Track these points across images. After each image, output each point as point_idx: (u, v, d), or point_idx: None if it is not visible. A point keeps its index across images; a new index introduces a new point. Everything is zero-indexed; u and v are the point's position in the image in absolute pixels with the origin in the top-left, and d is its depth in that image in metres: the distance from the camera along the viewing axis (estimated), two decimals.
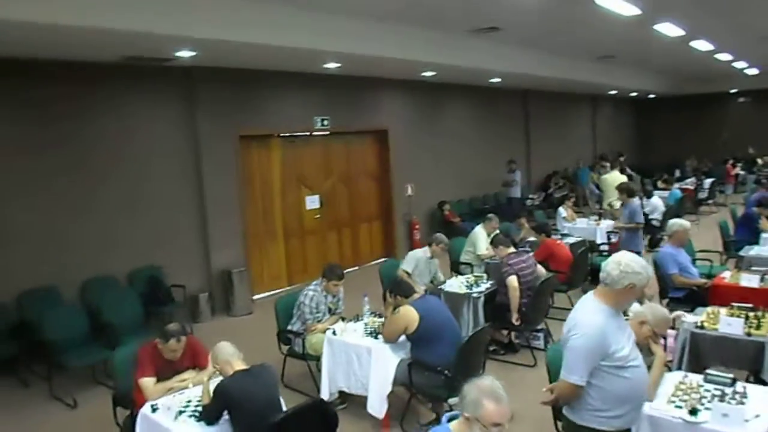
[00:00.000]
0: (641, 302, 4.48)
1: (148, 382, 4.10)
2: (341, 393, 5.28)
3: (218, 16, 6.23)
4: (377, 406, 4.87)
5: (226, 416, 3.57)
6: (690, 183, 16.01)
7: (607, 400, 2.93)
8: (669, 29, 9.31)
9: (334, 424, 3.68)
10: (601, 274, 2.97)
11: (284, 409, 3.77)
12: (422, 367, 4.64)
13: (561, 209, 10.74)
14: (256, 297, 9.15)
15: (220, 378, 3.72)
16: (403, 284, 5.23)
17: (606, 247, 9.37)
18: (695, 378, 3.85)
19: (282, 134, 9.88)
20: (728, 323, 4.59)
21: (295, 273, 10.12)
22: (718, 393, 3.60)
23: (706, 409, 3.39)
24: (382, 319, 5.38)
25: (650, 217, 11.01)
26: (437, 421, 4.90)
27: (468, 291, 6.51)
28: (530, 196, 15.25)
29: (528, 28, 9.12)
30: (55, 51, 6.55)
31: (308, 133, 10.32)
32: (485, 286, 6.67)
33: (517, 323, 6.16)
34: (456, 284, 6.77)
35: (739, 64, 15.31)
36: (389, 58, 8.44)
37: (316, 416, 3.63)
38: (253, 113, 9.12)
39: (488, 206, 13.44)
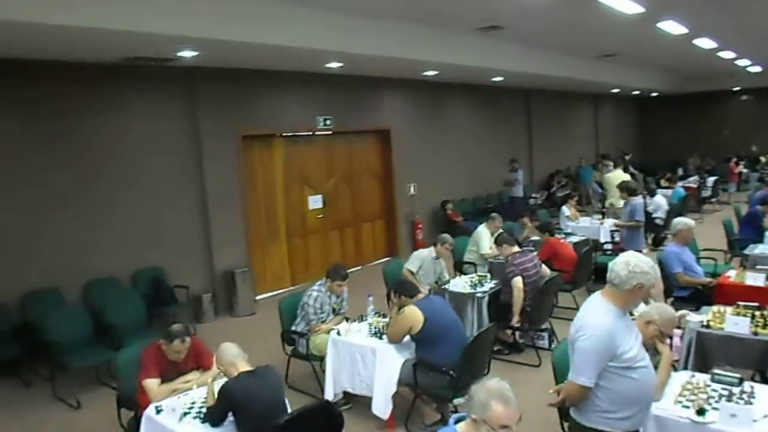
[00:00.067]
0: (646, 302, 4.46)
1: (152, 384, 4.08)
2: (345, 393, 5.26)
3: (220, 15, 6.21)
4: (382, 407, 4.85)
5: (230, 418, 3.55)
6: (693, 181, 15.97)
7: (615, 401, 2.91)
8: (672, 27, 9.28)
9: (339, 426, 3.66)
10: (609, 275, 2.95)
11: (289, 410, 3.75)
12: (427, 367, 4.63)
13: (564, 208, 10.71)
14: (259, 297, 9.14)
15: (225, 379, 3.70)
16: (407, 284, 5.22)
17: (609, 246, 9.34)
18: (702, 378, 3.83)
19: (284, 134, 9.87)
20: (734, 322, 4.57)
21: (298, 273, 10.11)
22: (726, 393, 3.58)
23: (714, 409, 3.36)
24: (387, 319, 5.36)
25: (653, 215, 10.99)
26: (442, 421, 4.89)
27: (472, 291, 6.50)
28: (533, 195, 15.23)
29: (530, 27, 9.09)
30: (57, 52, 6.54)
31: (311, 133, 10.31)
32: (489, 285, 6.65)
33: (517, 325, 6.16)
34: (460, 284, 6.75)
35: (743, 62, 15.26)
36: (392, 57, 8.42)
37: (321, 417, 3.61)
38: (255, 113, 9.10)
39: (491, 205, 13.41)
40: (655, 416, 3.36)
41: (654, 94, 21.04)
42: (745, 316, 4.64)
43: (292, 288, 9.61)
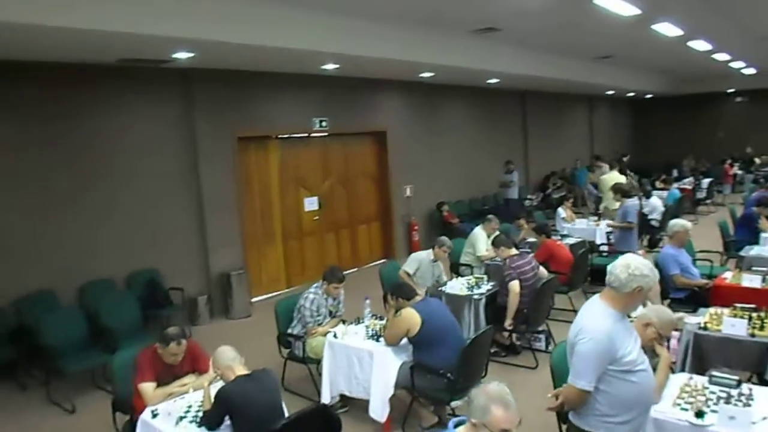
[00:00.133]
0: (644, 304, 4.45)
1: (147, 387, 4.05)
2: (342, 397, 5.24)
3: (216, 17, 6.18)
4: (379, 410, 4.83)
5: (227, 422, 3.53)
6: (688, 183, 16.01)
7: (615, 405, 2.90)
8: (668, 29, 9.29)
9: (337, 429, 3.64)
10: (608, 278, 2.94)
11: (286, 414, 3.73)
12: (424, 370, 4.61)
13: (560, 210, 10.71)
14: (254, 299, 9.11)
15: (221, 383, 3.68)
16: (404, 286, 5.20)
17: (606, 248, 9.35)
18: (700, 380, 3.82)
19: (280, 135, 9.85)
20: (732, 324, 4.58)
21: (294, 275, 10.09)
22: (724, 395, 3.58)
23: (713, 411, 3.36)
24: (383, 322, 5.35)
25: (649, 217, 11.01)
26: (439, 424, 4.89)
27: (469, 293, 6.48)
28: (528, 196, 15.23)
29: (527, 29, 9.09)
30: (53, 53, 6.50)
31: (306, 135, 10.29)
32: (486, 287, 6.64)
33: (510, 328, 6.15)
34: (457, 286, 6.73)
35: (737, 64, 15.30)
36: (388, 59, 8.40)
37: (319, 421, 3.58)
38: (250, 114, 9.08)
39: (487, 207, 13.44)
40: (653, 419, 3.35)
41: (649, 96, 21.09)
42: (742, 317, 4.65)
43: (287, 290, 9.59)
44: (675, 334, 4.67)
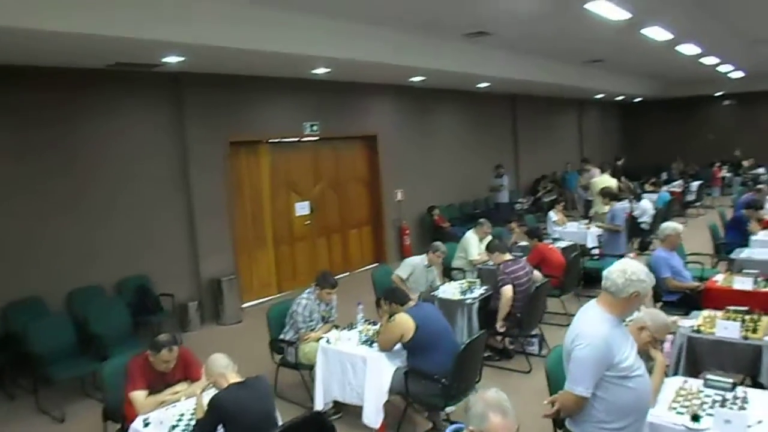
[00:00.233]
0: (638, 308, 4.45)
1: (139, 396, 4.01)
2: (336, 403, 5.20)
3: (206, 21, 6.15)
4: (373, 416, 4.79)
5: (220, 430, 3.48)
6: (677, 186, 16.10)
7: (612, 411, 2.88)
8: (657, 33, 9.35)
9: None
10: (605, 283, 2.92)
11: (280, 421, 3.69)
12: (419, 375, 4.58)
13: (551, 213, 10.73)
14: (245, 305, 9.04)
15: (214, 390, 3.64)
16: (398, 291, 5.18)
17: (597, 251, 9.37)
18: (695, 383, 3.82)
19: (271, 140, 9.80)
20: (725, 327, 4.58)
21: (285, 280, 10.03)
22: (719, 398, 3.58)
23: (708, 415, 3.35)
24: (377, 327, 5.32)
25: (639, 220, 11.05)
26: (434, 430, 4.87)
27: (462, 297, 6.46)
28: (519, 200, 15.25)
29: (517, 33, 9.11)
30: (42, 58, 6.44)
31: (297, 139, 10.25)
32: (479, 291, 6.62)
33: (501, 330, 6.14)
34: (450, 290, 6.71)
35: (725, 68, 15.41)
36: (379, 63, 8.40)
37: (312, 429, 3.55)
38: (241, 119, 9.04)
39: (478, 211, 13.42)
40: (650, 423, 3.33)
41: (638, 99, 21.22)
42: (735, 320, 4.66)
43: (279, 295, 9.54)
44: (669, 337, 4.66)
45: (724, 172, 18.74)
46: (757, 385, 4.29)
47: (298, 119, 9.99)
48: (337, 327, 5.62)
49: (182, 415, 3.84)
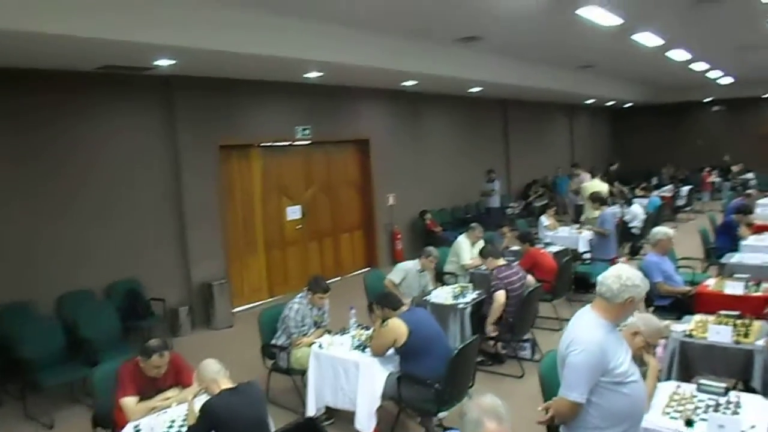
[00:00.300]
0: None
1: (129, 402, 3.97)
2: (328, 409, 5.17)
3: (198, 24, 6.13)
4: (365, 422, 4.76)
5: None
6: (668, 190, 16.18)
7: (606, 417, 2.87)
8: (648, 39, 9.40)
9: None
10: (599, 288, 2.91)
11: (272, 428, 3.66)
12: (412, 380, 4.56)
13: (543, 218, 10.74)
14: (236, 309, 8.99)
15: (206, 397, 3.60)
16: (391, 296, 5.16)
17: (588, 256, 9.38)
18: (688, 388, 3.82)
19: (263, 144, 9.77)
20: (717, 331, 4.59)
21: (276, 285, 9.99)
22: (713, 403, 3.58)
23: (702, 420, 3.35)
24: (369, 332, 5.29)
25: (630, 224, 11.09)
26: None
27: (454, 302, 6.45)
28: (510, 204, 15.28)
29: (509, 38, 9.15)
30: (32, 60, 6.39)
31: (289, 143, 10.22)
32: (471, 296, 6.61)
33: (494, 334, 6.14)
34: (442, 295, 6.69)
35: (714, 74, 15.53)
36: (371, 67, 8.40)
37: None
38: (233, 123, 9.01)
39: (470, 215, 13.44)
40: (644, 428, 3.31)
41: (628, 105, 21.34)
42: (726, 325, 4.67)
43: (270, 300, 9.51)
44: (661, 341, 4.67)
45: (714, 177, 18.86)
46: (749, 389, 4.30)
47: (290, 123, 9.97)
48: (329, 332, 5.59)
49: (173, 421, 3.80)
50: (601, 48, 10.41)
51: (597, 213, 9.58)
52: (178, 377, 4.25)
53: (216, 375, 3.63)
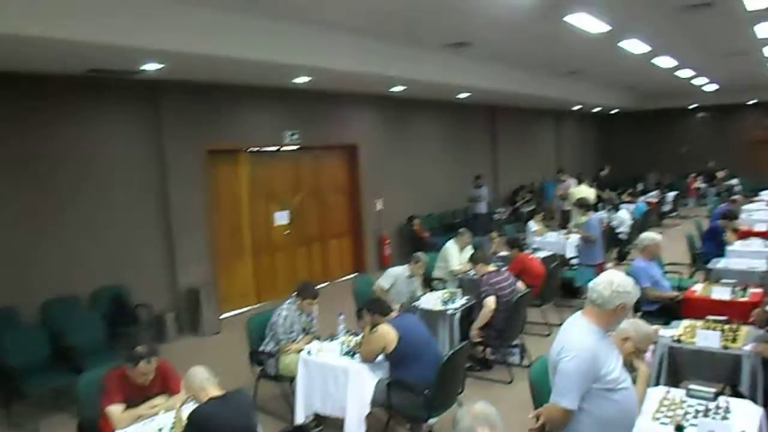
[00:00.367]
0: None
1: (115, 410, 3.90)
2: (317, 416, 5.12)
3: (186, 28, 6.08)
4: (355, 429, 4.72)
5: None
6: (654, 196, 16.31)
7: (598, 424, 2.86)
8: (635, 46, 9.48)
9: None
10: (591, 294, 2.91)
11: None
12: (401, 386, 4.54)
13: (531, 223, 10.78)
14: (223, 316, 8.92)
15: (194, 404, 3.55)
16: (380, 302, 5.13)
17: (576, 261, 9.41)
18: (678, 393, 3.83)
19: (250, 149, 9.73)
20: (705, 337, 4.62)
21: (264, 290, 9.93)
22: (702, 408, 3.59)
23: (692, 425, 3.36)
24: (358, 338, 5.26)
25: (617, 230, 11.15)
26: None
27: (444, 308, 6.43)
28: (497, 210, 15.31)
29: (498, 44, 9.18)
30: (16, 63, 6.31)
31: (277, 148, 10.19)
32: (460, 302, 6.59)
33: (478, 339, 6.13)
34: (431, 301, 6.67)
35: (699, 81, 15.70)
36: (360, 72, 8.38)
37: None
38: (220, 127, 8.95)
39: (458, 221, 13.45)
40: None
41: (614, 111, 21.51)
42: (715, 330, 4.70)
43: (257, 305, 9.45)
44: (650, 347, 4.68)
45: (699, 183, 19.05)
46: (736, 394, 4.32)
47: (278, 128, 9.93)
48: (318, 338, 5.55)
49: (161, 429, 3.74)
50: (588, 55, 10.49)
51: (584, 218, 9.62)
52: (166, 384, 4.19)
53: (204, 382, 3.57)
